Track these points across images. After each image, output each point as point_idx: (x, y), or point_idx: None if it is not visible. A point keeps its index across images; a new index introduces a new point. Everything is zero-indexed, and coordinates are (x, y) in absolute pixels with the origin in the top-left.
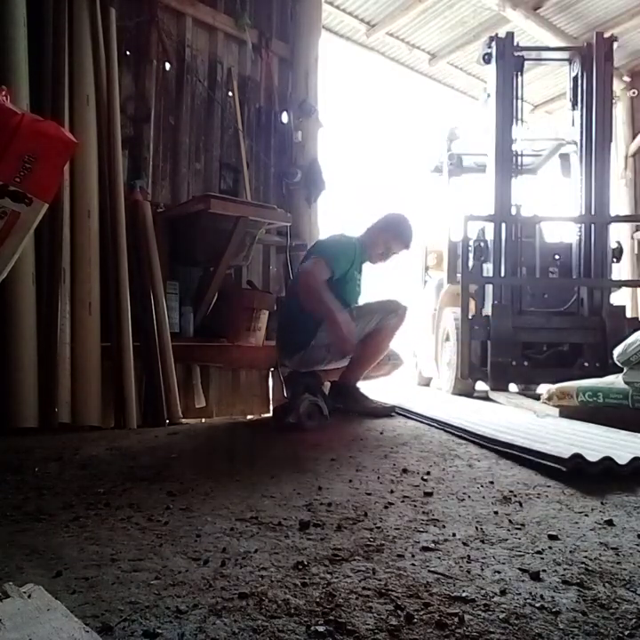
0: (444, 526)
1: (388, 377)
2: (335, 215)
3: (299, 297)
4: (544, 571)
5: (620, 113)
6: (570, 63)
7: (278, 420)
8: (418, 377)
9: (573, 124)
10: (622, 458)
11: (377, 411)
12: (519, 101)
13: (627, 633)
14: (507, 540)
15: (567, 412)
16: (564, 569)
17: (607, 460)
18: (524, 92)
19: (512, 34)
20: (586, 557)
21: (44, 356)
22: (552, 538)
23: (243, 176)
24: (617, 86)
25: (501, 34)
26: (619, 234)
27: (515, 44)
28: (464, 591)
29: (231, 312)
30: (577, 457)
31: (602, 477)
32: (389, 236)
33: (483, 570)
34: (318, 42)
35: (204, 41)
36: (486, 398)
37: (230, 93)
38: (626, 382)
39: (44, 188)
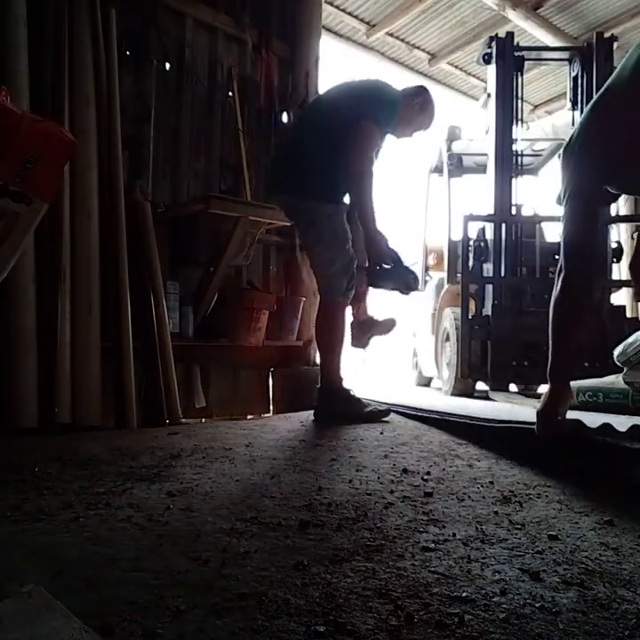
0: (444, 526)
1: (388, 333)
2: None
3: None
4: (544, 571)
5: None
6: (570, 63)
7: None
8: (418, 377)
9: (573, 124)
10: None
11: (372, 415)
12: (519, 101)
13: (627, 633)
14: (507, 539)
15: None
16: (565, 569)
17: (606, 426)
18: (523, 91)
19: (512, 34)
20: (586, 557)
21: (43, 356)
22: (552, 538)
23: (243, 176)
24: None
25: (501, 34)
26: (619, 234)
27: (515, 43)
28: (464, 591)
29: (231, 312)
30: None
31: (602, 478)
32: (426, 117)
33: (483, 570)
34: (318, 42)
35: (204, 41)
36: (486, 398)
37: (230, 93)
38: (626, 382)
39: (44, 188)
